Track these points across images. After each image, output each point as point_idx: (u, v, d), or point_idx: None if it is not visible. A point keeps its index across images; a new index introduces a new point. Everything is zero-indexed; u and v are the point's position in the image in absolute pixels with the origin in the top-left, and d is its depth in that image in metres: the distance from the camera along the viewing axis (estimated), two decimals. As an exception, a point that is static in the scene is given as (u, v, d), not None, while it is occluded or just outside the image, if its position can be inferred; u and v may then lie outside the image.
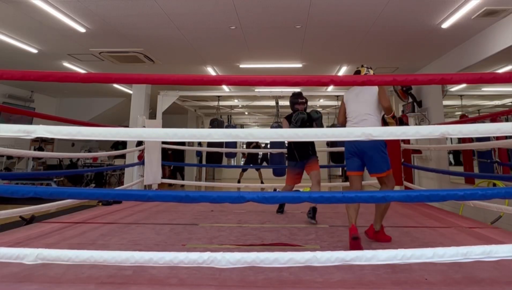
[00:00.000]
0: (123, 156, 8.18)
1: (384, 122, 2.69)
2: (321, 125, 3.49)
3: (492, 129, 1.73)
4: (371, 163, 2.51)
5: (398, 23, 4.40)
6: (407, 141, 5.37)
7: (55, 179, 7.91)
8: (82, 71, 6.63)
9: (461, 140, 4.77)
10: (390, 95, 6.63)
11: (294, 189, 3.78)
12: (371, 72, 2.75)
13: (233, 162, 12.22)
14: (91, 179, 9.60)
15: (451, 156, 5.73)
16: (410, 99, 6.46)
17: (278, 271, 1.86)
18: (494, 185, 4.11)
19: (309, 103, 3.97)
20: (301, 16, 4.22)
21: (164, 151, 5.39)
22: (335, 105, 7.47)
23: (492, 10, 3.91)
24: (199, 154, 11.05)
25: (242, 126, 13.23)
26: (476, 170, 4.92)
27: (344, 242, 2.57)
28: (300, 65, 6.36)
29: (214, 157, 7.89)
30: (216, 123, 7.48)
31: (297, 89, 6.36)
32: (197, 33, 4.82)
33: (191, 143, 8.80)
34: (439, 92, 5.75)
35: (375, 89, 2.58)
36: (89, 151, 9.91)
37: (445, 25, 4.35)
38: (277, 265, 1.50)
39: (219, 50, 5.58)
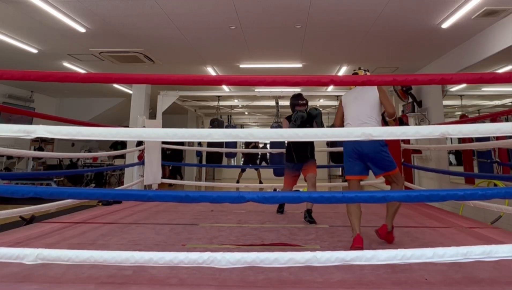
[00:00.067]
0: (123, 156, 8.18)
1: (385, 123, 2.67)
2: (321, 122, 3.46)
3: (492, 129, 1.73)
4: (375, 165, 2.45)
5: (398, 23, 4.40)
6: (407, 142, 5.37)
7: (55, 179, 7.90)
8: (82, 71, 6.63)
9: (461, 140, 4.77)
10: (390, 95, 6.64)
11: (294, 189, 3.77)
12: (368, 74, 2.70)
13: (233, 162, 12.22)
14: (91, 179, 9.60)
15: (452, 156, 5.73)
16: (410, 99, 6.47)
17: (278, 271, 1.86)
18: (496, 185, 4.10)
19: (309, 103, 3.97)
20: (301, 16, 4.23)
21: (162, 151, 5.38)
22: (335, 106, 7.47)
23: (492, 10, 3.91)
24: (199, 154, 11.05)
25: (242, 126, 13.24)
26: (475, 170, 4.92)
27: (344, 242, 2.57)
28: (300, 65, 6.36)
29: (214, 157, 7.88)
30: (216, 123, 7.48)
31: (297, 90, 6.38)
32: (197, 33, 4.82)
33: (191, 144, 8.79)
34: (439, 92, 5.75)
35: (374, 92, 2.52)
36: (89, 151, 9.91)
37: (445, 25, 4.35)
38: (277, 265, 1.50)
39: (219, 50, 5.58)
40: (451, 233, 2.87)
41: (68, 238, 2.64)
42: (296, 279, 1.79)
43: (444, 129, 1.64)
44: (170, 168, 10.88)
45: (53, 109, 9.53)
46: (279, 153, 5.72)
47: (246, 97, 8.53)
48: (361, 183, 2.73)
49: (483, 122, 4.44)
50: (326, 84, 2.07)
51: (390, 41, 5.08)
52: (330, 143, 6.69)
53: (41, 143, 9.16)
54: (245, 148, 9.49)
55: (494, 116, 4.23)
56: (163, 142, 5.45)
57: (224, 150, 6.96)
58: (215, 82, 2.33)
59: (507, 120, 4.08)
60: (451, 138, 4.79)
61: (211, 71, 6.74)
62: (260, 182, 9.24)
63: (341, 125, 2.66)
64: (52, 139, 9.08)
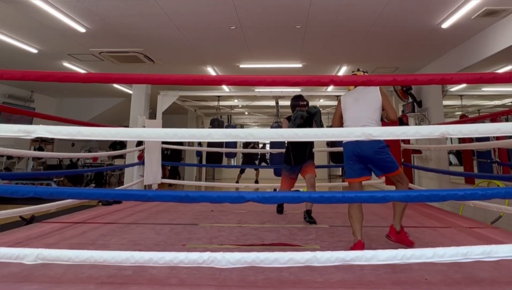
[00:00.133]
0: (123, 156, 8.18)
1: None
2: (320, 120, 3.45)
3: (492, 129, 1.73)
4: (376, 166, 2.40)
5: (398, 23, 4.40)
6: (407, 142, 5.37)
7: (55, 179, 7.91)
8: (82, 71, 6.63)
9: (461, 140, 4.77)
10: (390, 95, 6.64)
11: (294, 189, 3.77)
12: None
13: (233, 162, 12.22)
14: (91, 179, 9.60)
15: (453, 156, 5.73)
16: (410, 99, 6.46)
17: (278, 271, 1.86)
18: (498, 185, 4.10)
19: (310, 103, 3.96)
20: (301, 16, 4.23)
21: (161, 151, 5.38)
22: (335, 106, 7.45)
23: (492, 10, 3.91)
24: (199, 154, 11.06)
25: (242, 126, 13.24)
26: (475, 170, 4.92)
27: (344, 242, 2.56)
28: (300, 65, 6.36)
29: (214, 157, 7.89)
30: (216, 123, 7.49)
31: (297, 90, 6.38)
32: (197, 33, 4.82)
33: (191, 144, 8.80)
34: (439, 92, 5.75)
35: (377, 94, 2.47)
36: (89, 151, 9.91)
37: (445, 25, 4.35)
38: (277, 265, 1.50)
39: (219, 50, 5.58)
40: (451, 233, 2.87)
41: (68, 238, 2.64)
42: (296, 279, 1.79)
43: (444, 129, 1.64)
44: (169, 168, 10.88)
45: (53, 109, 9.53)
46: (279, 153, 5.72)
47: (246, 97, 8.53)
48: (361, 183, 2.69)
49: (483, 122, 4.44)
50: (326, 84, 2.07)
51: (390, 41, 5.08)
52: (330, 144, 6.69)
53: (41, 143, 9.17)
54: (244, 148, 9.49)
55: (494, 116, 4.23)
56: (163, 143, 5.45)
57: (224, 150, 6.96)
58: (215, 82, 2.33)
59: (507, 120, 4.08)
60: (451, 138, 4.80)
61: (211, 71, 6.75)
62: (256, 182, 9.24)
63: (340, 126, 2.60)
64: (52, 139, 9.08)
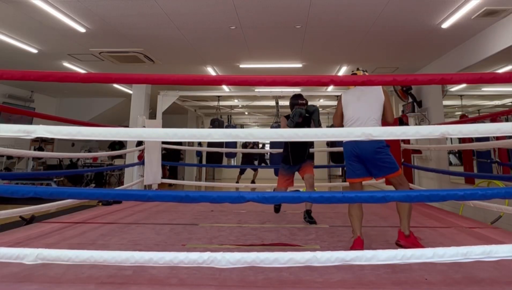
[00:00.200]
0: (123, 156, 8.18)
1: None
2: (318, 119, 3.44)
3: (492, 129, 1.73)
4: (375, 167, 2.36)
5: (398, 23, 4.40)
6: (407, 142, 5.37)
7: (55, 179, 7.91)
8: (82, 71, 6.63)
9: (461, 140, 4.77)
10: (390, 95, 6.64)
11: (294, 189, 3.76)
12: (367, 75, 2.62)
13: (233, 162, 12.23)
14: (91, 179, 9.60)
15: (454, 156, 5.73)
16: (410, 99, 6.46)
17: (278, 271, 1.86)
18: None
19: (309, 103, 3.96)
20: (301, 16, 4.23)
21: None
22: (335, 105, 7.46)
23: (492, 10, 3.91)
24: (199, 154, 11.06)
25: (242, 126, 13.24)
26: (475, 170, 4.92)
27: (344, 242, 2.56)
28: (300, 65, 6.36)
29: (214, 157, 7.89)
30: (217, 123, 7.50)
31: (297, 90, 6.38)
32: (197, 33, 4.82)
33: (191, 144, 8.80)
34: (439, 92, 5.75)
35: (380, 94, 2.43)
36: (89, 151, 9.92)
37: (445, 25, 4.35)
38: (277, 265, 1.50)
39: (219, 50, 5.58)
40: (451, 233, 2.87)
41: (68, 238, 2.64)
42: (296, 279, 1.79)
43: (444, 129, 1.64)
44: (168, 167, 10.88)
45: (53, 109, 9.53)
46: (279, 153, 5.72)
47: (246, 97, 8.53)
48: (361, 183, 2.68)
49: (483, 122, 4.44)
50: (326, 84, 2.07)
51: (390, 41, 5.08)
52: (330, 143, 6.69)
53: (41, 143, 9.17)
54: (243, 148, 9.49)
55: (494, 116, 4.23)
56: (163, 143, 5.45)
57: (224, 150, 6.97)
58: (215, 82, 2.33)
59: (507, 120, 4.08)
60: (451, 138, 4.80)
61: (211, 71, 6.75)
62: (253, 182, 9.23)
63: (341, 125, 2.57)
64: (52, 139, 9.08)
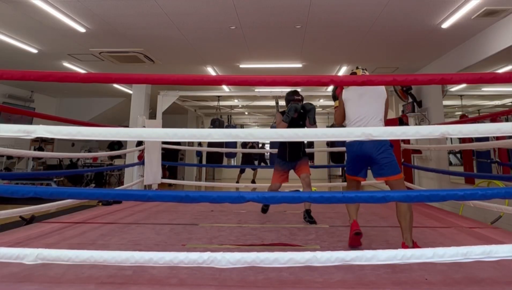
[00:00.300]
0: (122, 156, 8.18)
1: None
2: (313, 116, 3.41)
3: (492, 129, 1.73)
4: (378, 165, 2.32)
5: (398, 23, 4.40)
6: (407, 142, 5.37)
7: (55, 179, 7.91)
8: (82, 71, 6.63)
9: (461, 140, 4.77)
10: (390, 95, 6.64)
11: (294, 189, 3.75)
12: (367, 74, 2.59)
13: (233, 162, 12.23)
14: (91, 179, 9.60)
15: (454, 156, 5.72)
16: (410, 99, 6.46)
17: (278, 271, 1.86)
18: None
19: (310, 104, 3.95)
20: (301, 16, 4.23)
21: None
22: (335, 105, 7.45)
23: (492, 10, 3.92)
24: (199, 154, 11.06)
25: (242, 126, 13.24)
26: (475, 170, 4.92)
27: (344, 242, 2.56)
28: (300, 65, 6.37)
29: (214, 157, 7.89)
30: (217, 123, 7.50)
31: (297, 89, 6.37)
32: (197, 33, 4.82)
33: (191, 143, 8.80)
34: (439, 92, 5.75)
35: (383, 92, 2.41)
36: (89, 151, 9.92)
37: (445, 25, 4.35)
38: (277, 265, 1.50)
39: (219, 50, 5.59)
40: (451, 233, 2.87)
41: (68, 238, 2.64)
42: (296, 279, 1.79)
43: (444, 129, 1.64)
44: (166, 167, 10.87)
45: (53, 109, 9.54)
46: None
47: (246, 97, 8.54)
48: (362, 183, 2.67)
49: (483, 122, 4.44)
50: (326, 84, 2.07)
51: (390, 41, 5.09)
52: (330, 143, 6.69)
53: (41, 143, 9.17)
54: (243, 148, 9.49)
55: (494, 116, 4.23)
56: (163, 143, 5.45)
57: (224, 150, 6.97)
58: (215, 82, 2.33)
59: (507, 120, 4.08)
60: (451, 138, 4.80)
61: (211, 71, 6.75)
62: (253, 181, 9.24)
63: (342, 122, 2.55)
64: (52, 139, 9.08)
